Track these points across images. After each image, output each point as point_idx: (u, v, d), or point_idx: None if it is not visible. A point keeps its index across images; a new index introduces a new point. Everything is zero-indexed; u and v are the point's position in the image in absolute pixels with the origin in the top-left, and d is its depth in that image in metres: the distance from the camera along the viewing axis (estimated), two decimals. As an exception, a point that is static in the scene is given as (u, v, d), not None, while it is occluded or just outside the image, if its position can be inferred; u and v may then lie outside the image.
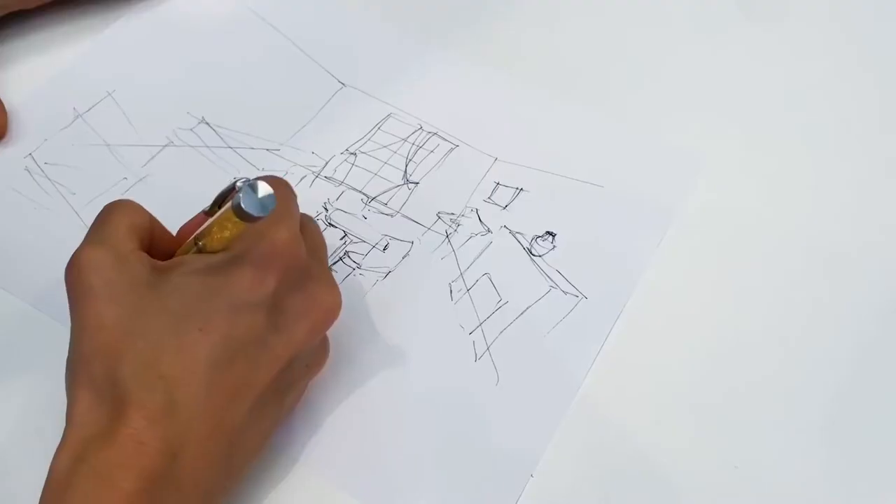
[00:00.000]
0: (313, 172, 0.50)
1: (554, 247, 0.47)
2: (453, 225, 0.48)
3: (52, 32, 0.56)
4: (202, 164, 0.50)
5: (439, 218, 0.48)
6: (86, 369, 0.34)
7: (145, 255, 0.37)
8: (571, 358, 0.44)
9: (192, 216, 0.47)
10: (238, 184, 0.35)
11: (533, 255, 0.47)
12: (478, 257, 0.47)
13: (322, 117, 0.53)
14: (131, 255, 0.36)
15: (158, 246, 0.38)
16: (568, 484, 0.40)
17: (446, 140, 0.51)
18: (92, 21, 0.57)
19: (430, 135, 0.52)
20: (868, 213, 0.49)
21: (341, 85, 0.54)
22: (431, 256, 0.47)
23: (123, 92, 0.53)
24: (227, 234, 0.36)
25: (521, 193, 0.49)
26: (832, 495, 0.40)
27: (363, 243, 0.47)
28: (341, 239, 0.47)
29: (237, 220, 0.34)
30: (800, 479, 0.41)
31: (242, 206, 0.33)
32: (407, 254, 0.47)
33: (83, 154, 0.51)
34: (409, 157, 0.51)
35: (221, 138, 0.51)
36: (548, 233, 0.48)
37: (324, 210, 0.48)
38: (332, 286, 0.38)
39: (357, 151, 0.51)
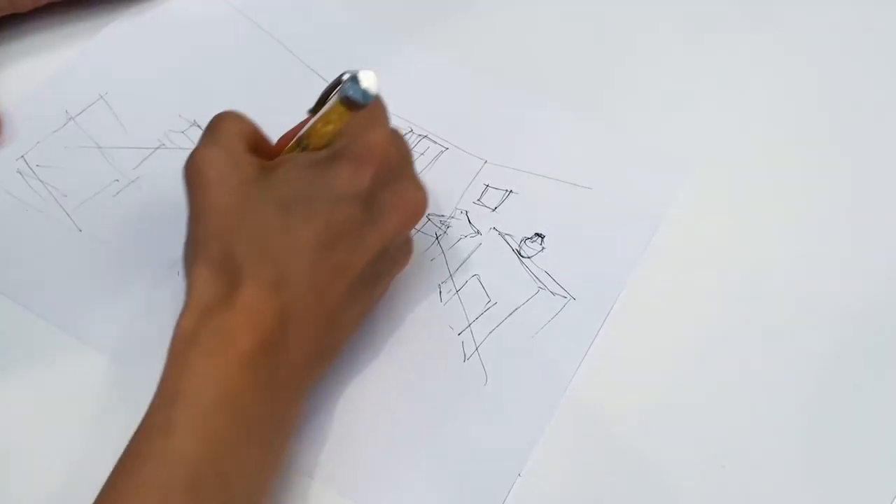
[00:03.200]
0: (304, 175, 0.50)
1: (543, 248, 0.48)
2: (443, 227, 0.48)
3: (45, 36, 0.56)
4: (194, 166, 0.51)
5: (429, 220, 0.49)
6: (204, 248, 0.38)
7: (253, 156, 0.40)
8: (560, 358, 0.44)
9: (181, 219, 0.47)
10: (345, 76, 0.38)
11: (522, 256, 0.47)
12: (467, 259, 0.47)
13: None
14: (241, 156, 0.40)
15: (262, 152, 0.42)
16: (556, 483, 0.41)
17: (436, 143, 0.52)
18: (84, 24, 0.57)
19: (421, 137, 0.52)
20: (856, 218, 0.50)
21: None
22: (421, 258, 0.47)
23: (115, 95, 0.54)
24: (330, 127, 0.40)
25: (511, 195, 0.50)
26: (818, 495, 0.41)
27: (353, 245, 0.48)
28: (332, 240, 0.48)
29: (343, 110, 0.38)
30: (785, 478, 0.41)
31: (350, 94, 0.37)
32: (397, 255, 0.47)
33: (75, 156, 0.51)
34: (400, 160, 0.51)
35: (213, 141, 0.52)
36: (537, 234, 0.48)
37: (314, 212, 0.49)
38: (420, 185, 0.41)
39: (348, 154, 0.51)
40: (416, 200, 0.41)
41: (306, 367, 0.38)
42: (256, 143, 0.42)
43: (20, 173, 0.50)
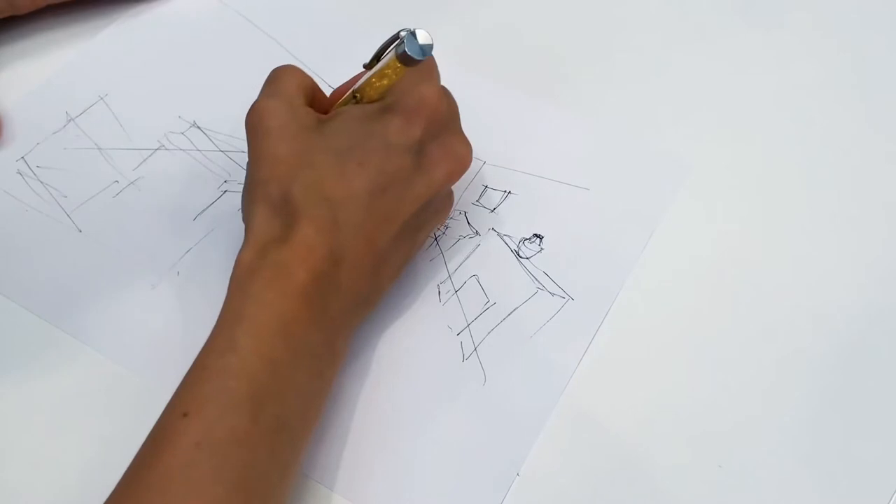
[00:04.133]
0: (303, 176, 0.51)
1: (541, 249, 0.48)
2: (442, 227, 0.48)
3: (45, 37, 0.57)
4: (193, 167, 0.51)
5: (428, 220, 0.49)
6: (263, 190, 0.40)
7: (311, 109, 0.43)
8: (557, 358, 0.44)
9: (181, 220, 0.48)
10: (402, 33, 0.41)
11: (520, 257, 0.48)
12: (466, 259, 0.47)
13: (312, 121, 0.53)
14: (300, 108, 0.42)
15: (318, 104, 0.45)
16: (554, 483, 0.41)
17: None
18: (83, 26, 0.57)
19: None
20: (856, 220, 0.50)
21: (331, 89, 0.54)
22: (420, 258, 0.47)
23: (115, 96, 0.54)
24: (385, 81, 0.42)
25: (510, 196, 0.50)
26: (814, 495, 0.41)
27: (352, 246, 0.48)
28: (331, 241, 0.48)
29: (398, 66, 0.41)
30: (783, 478, 0.41)
31: (407, 50, 0.40)
32: (396, 256, 0.47)
33: (75, 157, 0.51)
34: (399, 161, 0.51)
35: (212, 142, 0.52)
36: (535, 235, 0.48)
37: (314, 213, 0.49)
38: (466, 141, 0.43)
39: (347, 155, 0.52)
40: (462, 154, 0.43)
41: (354, 305, 0.40)
42: (313, 96, 0.44)
43: (20, 174, 0.50)
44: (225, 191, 0.50)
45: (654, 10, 0.60)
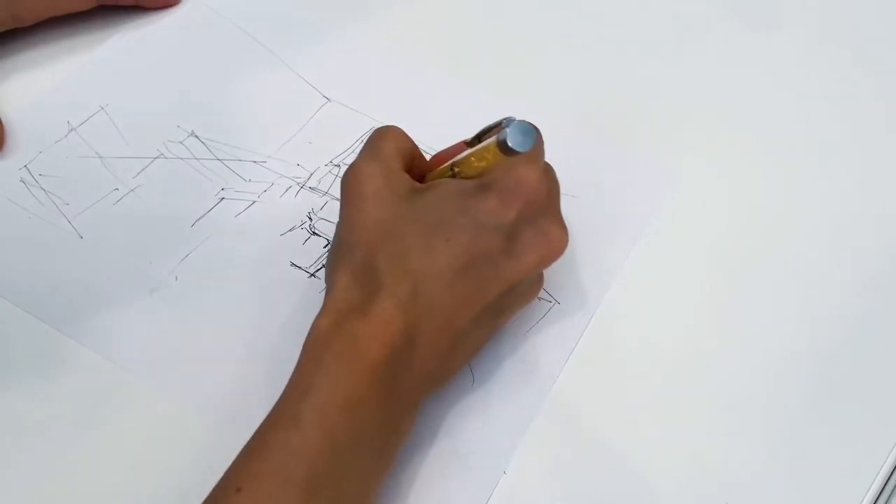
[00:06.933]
0: (298, 183, 0.52)
1: (529, 255, 0.49)
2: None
3: (47, 49, 0.58)
4: (191, 175, 0.52)
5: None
6: (348, 256, 0.39)
7: (407, 175, 0.42)
8: (544, 360, 0.45)
9: (179, 226, 0.48)
10: (504, 121, 0.40)
11: (509, 262, 0.48)
12: (456, 265, 0.48)
13: (307, 131, 0.54)
14: (397, 174, 0.41)
15: (416, 168, 0.43)
16: (539, 481, 0.42)
17: (427, 152, 0.52)
18: (85, 38, 0.58)
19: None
20: (849, 225, 0.50)
21: (326, 100, 0.56)
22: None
23: (116, 106, 0.55)
24: (483, 164, 0.41)
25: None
26: (805, 496, 0.41)
27: (346, 251, 0.49)
28: (325, 247, 0.49)
29: (497, 152, 0.39)
30: (770, 479, 0.42)
31: (508, 141, 0.38)
32: (388, 261, 0.48)
33: (76, 166, 0.52)
34: (391, 169, 0.52)
35: (210, 151, 0.53)
36: (524, 242, 0.49)
37: (308, 219, 0.50)
38: (563, 226, 0.42)
39: (341, 163, 0.52)
40: (557, 240, 0.41)
41: (424, 384, 0.39)
42: (412, 160, 0.43)
43: (23, 182, 0.51)
44: (222, 198, 0.51)
45: (644, 14, 0.60)
